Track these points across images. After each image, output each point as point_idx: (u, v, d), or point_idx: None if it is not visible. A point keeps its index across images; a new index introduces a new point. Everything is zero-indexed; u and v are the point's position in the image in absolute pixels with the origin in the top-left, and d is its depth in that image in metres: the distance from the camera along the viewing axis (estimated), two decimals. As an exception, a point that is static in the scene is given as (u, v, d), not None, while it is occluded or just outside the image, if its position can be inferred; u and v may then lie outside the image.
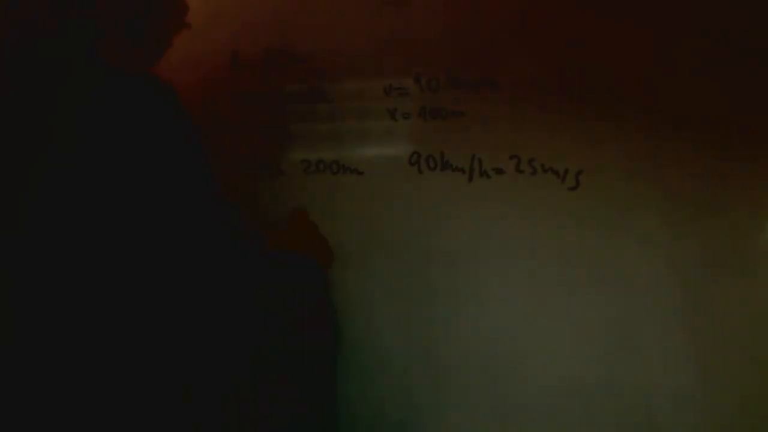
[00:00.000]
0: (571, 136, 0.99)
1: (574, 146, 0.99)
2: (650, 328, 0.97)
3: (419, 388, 1.07)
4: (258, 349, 0.76)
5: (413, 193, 1.07)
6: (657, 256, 0.97)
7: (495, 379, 1.04)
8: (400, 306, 1.08)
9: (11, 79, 0.75)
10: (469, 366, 1.05)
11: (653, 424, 0.97)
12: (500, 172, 1.03)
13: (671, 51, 0.96)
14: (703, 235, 0.95)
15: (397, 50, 1.07)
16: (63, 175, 0.67)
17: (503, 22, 1.02)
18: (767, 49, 0.95)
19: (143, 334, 0.68)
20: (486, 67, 1.03)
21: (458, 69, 1.05)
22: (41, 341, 0.67)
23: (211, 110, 1.17)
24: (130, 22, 0.83)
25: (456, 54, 1.05)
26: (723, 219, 0.94)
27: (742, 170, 0.94)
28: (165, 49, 0.93)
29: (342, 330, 1.04)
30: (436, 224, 1.06)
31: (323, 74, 1.12)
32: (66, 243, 0.66)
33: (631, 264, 0.98)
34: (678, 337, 0.96)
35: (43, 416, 0.68)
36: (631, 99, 0.98)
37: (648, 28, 0.97)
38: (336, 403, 1.00)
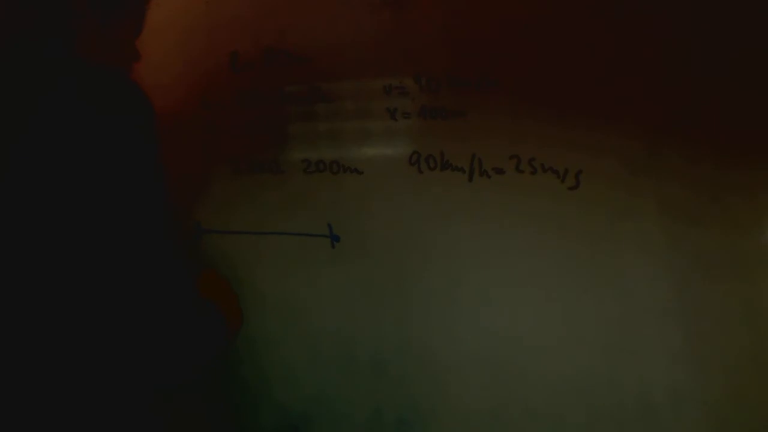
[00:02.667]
0: (572, 135, 0.99)
1: (574, 146, 0.99)
2: (650, 328, 0.97)
3: (418, 389, 1.07)
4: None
5: (413, 192, 1.07)
6: (657, 255, 0.97)
7: (494, 379, 1.04)
8: (399, 306, 1.08)
9: None
10: (468, 366, 1.05)
11: (653, 424, 0.97)
12: (500, 171, 1.03)
13: (672, 51, 0.96)
14: (703, 235, 0.95)
15: (397, 50, 1.07)
16: (18, 169, 0.67)
17: (503, 22, 1.02)
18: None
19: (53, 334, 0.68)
20: (486, 67, 1.03)
21: (458, 69, 1.05)
22: None
23: (211, 110, 1.17)
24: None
25: (456, 54, 1.05)
26: (723, 219, 0.94)
27: (741, 171, 0.94)
28: (142, 23, 0.91)
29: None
30: (436, 224, 1.06)
31: (323, 74, 1.12)
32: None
33: (631, 263, 0.98)
34: (678, 337, 0.96)
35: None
36: (632, 99, 0.98)
37: (648, 28, 0.97)
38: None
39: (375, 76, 1.08)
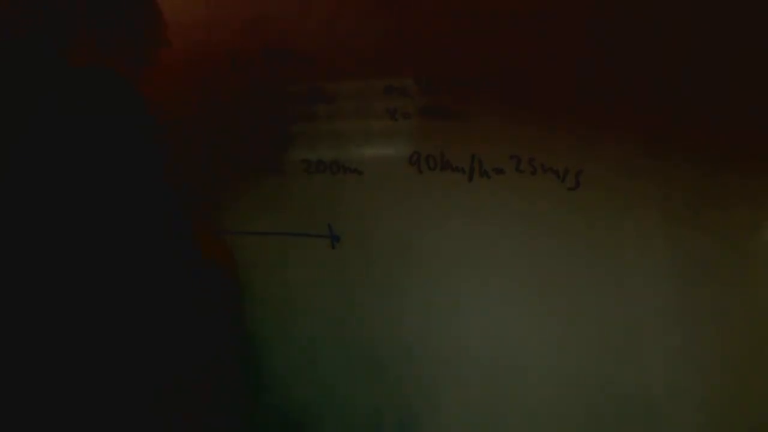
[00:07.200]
0: (571, 136, 0.99)
1: (574, 146, 0.99)
2: (650, 328, 0.97)
3: (417, 389, 1.07)
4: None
5: (413, 193, 1.07)
6: (657, 255, 0.97)
7: (494, 378, 1.04)
8: (399, 305, 1.08)
9: None
10: (468, 366, 1.05)
11: (653, 424, 0.97)
12: (500, 171, 1.03)
13: (671, 51, 0.96)
14: (703, 235, 0.95)
15: (397, 50, 1.07)
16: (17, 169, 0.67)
17: (503, 22, 1.02)
18: None
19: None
20: (486, 67, 1.03)
21: (458, 69, 1.05)
22: None
23: (211, 110, 1.17)
24: (107, 28, 0.83)
25: (456, 54, 1.05)
26: (723, 220, 0.95)
27: (742, 170, 0.94)
28: (145, 62, 0.93)
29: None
30: (436, 224, 1.06)
31: (323, 74, 1.12)
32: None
33: (631, 264, 0.98)
34: (678, 337, 0.96)
35: None
36: (632, 99, 0.98)
37: (648, 27, 0.97)
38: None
39: (375, 77, 1.09)
